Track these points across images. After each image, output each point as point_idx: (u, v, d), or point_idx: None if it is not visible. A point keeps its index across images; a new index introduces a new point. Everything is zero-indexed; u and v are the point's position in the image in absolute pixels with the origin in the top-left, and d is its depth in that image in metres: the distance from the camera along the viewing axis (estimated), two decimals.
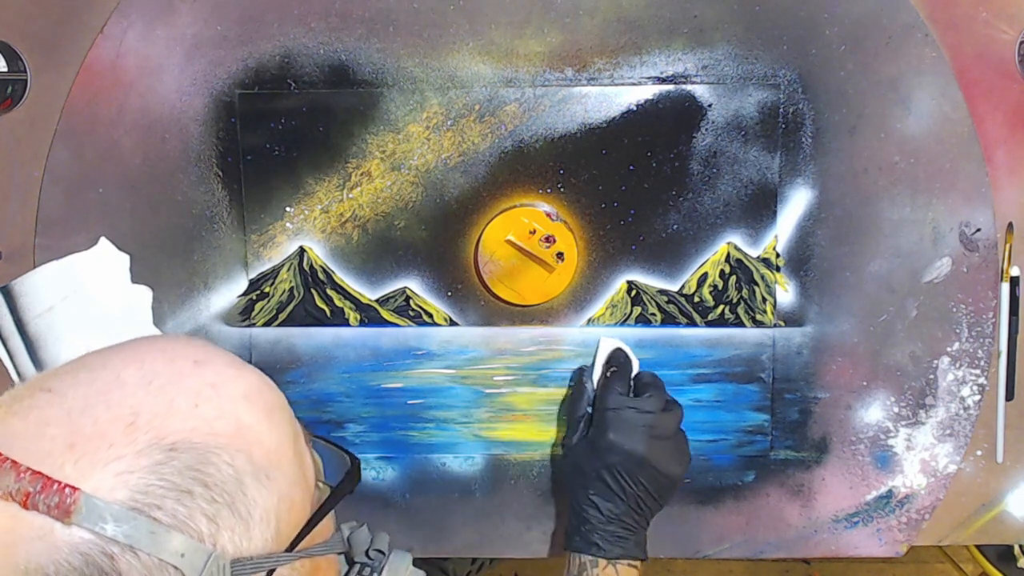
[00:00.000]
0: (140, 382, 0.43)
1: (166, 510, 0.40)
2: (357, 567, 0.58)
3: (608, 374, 0.79)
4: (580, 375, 0.82)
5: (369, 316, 0.85)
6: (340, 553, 0.55)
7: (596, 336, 0.85)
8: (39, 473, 0.39)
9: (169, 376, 0.44)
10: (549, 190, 0.83)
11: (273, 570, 0.44)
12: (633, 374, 0.81)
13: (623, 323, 0.85)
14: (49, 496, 0.38)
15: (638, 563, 0.74)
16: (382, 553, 0.59)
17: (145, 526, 0.39)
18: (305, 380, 0.86)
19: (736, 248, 0.83)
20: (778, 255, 0.84)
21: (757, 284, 0.84)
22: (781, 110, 0.81)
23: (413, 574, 0.59)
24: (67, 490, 0.38)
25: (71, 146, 0.83)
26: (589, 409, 0.79)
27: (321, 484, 0.51)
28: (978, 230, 0.82)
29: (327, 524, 0.50)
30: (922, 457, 0.85)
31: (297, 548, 0.46)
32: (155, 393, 0.43)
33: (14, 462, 0.39)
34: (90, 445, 0.40)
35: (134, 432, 0.41)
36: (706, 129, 0.82)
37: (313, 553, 0.48)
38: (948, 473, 0.85)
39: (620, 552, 0.73)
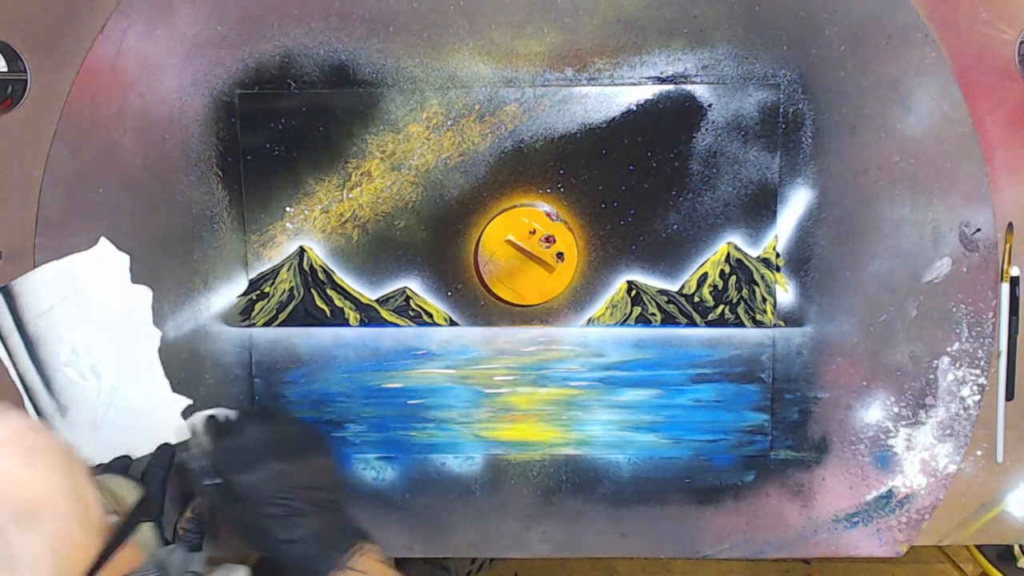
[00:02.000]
0: None
1: None
2: None
3: (197, 440, 0.75)
4: (179, 461, 0.78)
5: (369, 316, 0.85)
6: None
7: (596, 336, 0.85)
8: None
9: None
10: (549, 190, 0.83)
11: None
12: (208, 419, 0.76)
13: (623, 323, 0.85)
14: None
15: (367, 545, 0.71)
16: (197, 575, 0.58)
17: None
18: (305, 380, 0.86)
19: (736, 248, 0.83)
20: (778, 255, 0.84)
21: (757, 284, 0.84)
22: (781, 110, 0.81)
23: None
24: None
25: (71, 146, 0.83)
26: (210, 481, 0.73)
27: (119, 515, 0.50)
28: (978, 230, 0.82)
29: (133, 554, 0.49)
30: (922, 457, 0.85)
31: None
32: None
33: None
34: None
35: None
36: (706, 129, 0.82)
37: None
38: (948, 473, 0.85)
39: (337, 554, 0.69)
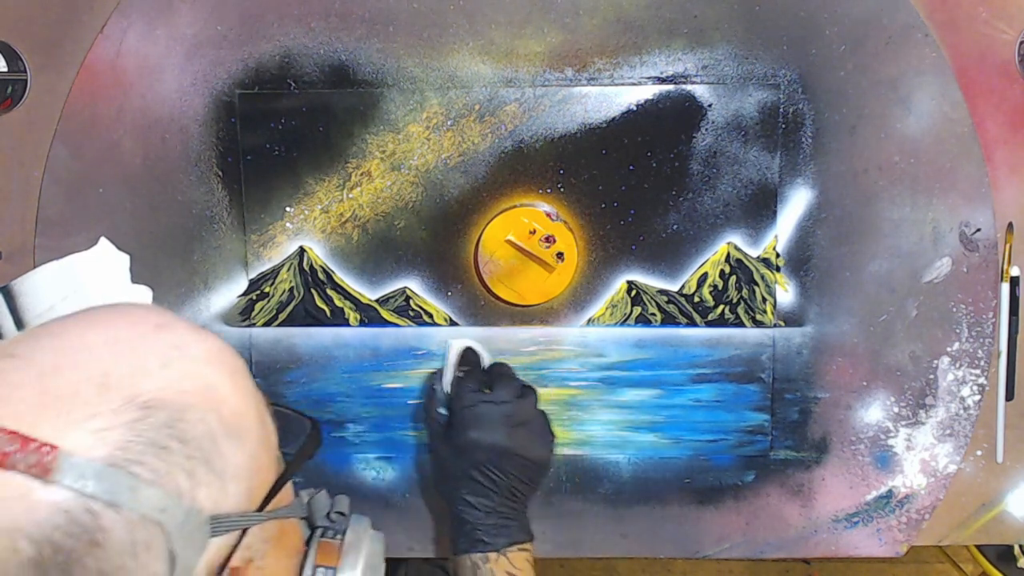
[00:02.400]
0: (105, 345, 0.43)
1: (146, 466, 0.40)
2: (320, 531, 0.57)
3: (459, 373, 0.80)
4: (431, 379, 0.83)
5: (369, 316, 0.85)
6: (302, 518, 0.55)
7: (596, 336, 0.85)
8: (15, 433, 0.38)
9: (133, 339, 0.44)
10: (549, 190, 0.83)
11: (246, 530, 0.44)
12: (484, 367, 0.82)
13: (623, 323, 0.85)
14: (27, 455, 0.38)
15: (528, 545, 0.75)
16: (343, 515, 0.59)
17: (126, 482, 0.39)
18: (305, 380, 0.86)
19: (736, 248, 0.83)
20: (778, 255, 0.83)
21: (757, 284, 0.84)
22: (781, 110, 0.81)
23: (374, 536, 0.60)
24: (45, 448, 0.38)
25: (71, 146, 0.83)
26: (443, 411, 0.80)
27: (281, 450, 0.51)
28: (978, 230, 0.82)
29: (288, 490, 0.51)
30: (922, 457, 0.85)
31: (266, 509, 0.46)
32: (121, 355, 0.43)
33: None
34: (65, 405, 0.40)
35: (108, 391, 0.41)
36: (706, 129, 0.82)
37: (280, 515, 0.48)
38: (948, 473, 0.85)
39: (506, 540, 0.73)
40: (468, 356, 0.82)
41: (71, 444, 0.39)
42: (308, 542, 0.56)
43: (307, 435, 0.53)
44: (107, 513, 0.39)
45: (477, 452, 0.74)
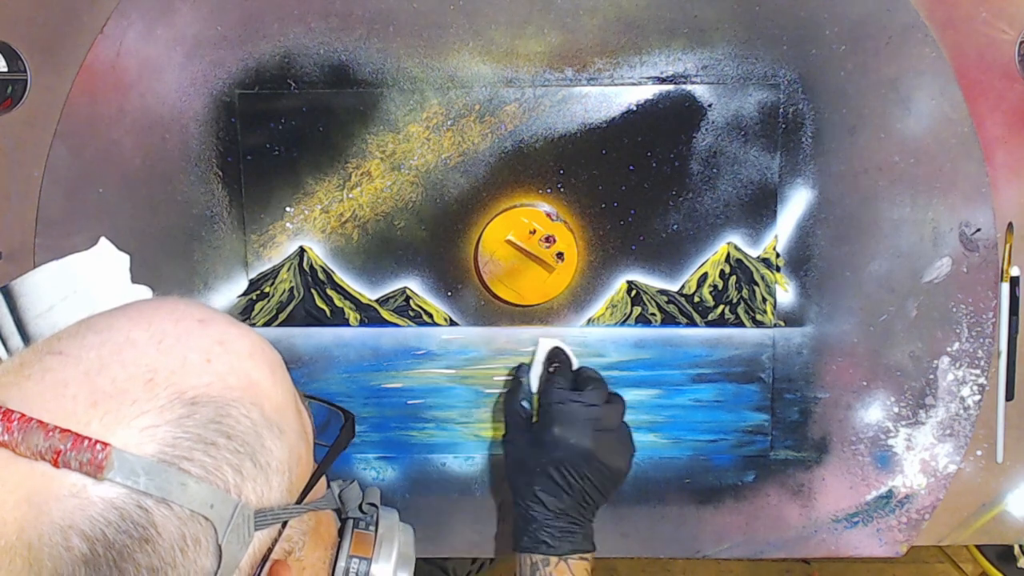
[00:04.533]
0: (150, 341, 0.43)
1: (195, 462, 0.40)
2: (351, 521, 0.58)
3: (551, 370, 0.80)
4: (517, 372, 0.83)
5: (369, 316, 0.85)
6: (334, 509, 0.56)
7: (596, 336, 0.85)
8: (68, 431, 0.38)
9: (177, 335, 0.44)
10: (549, 190, 0.83)
11: (286, 523, 0.45)
12: (574, 368, 0.82)
13: (623, 323, 0.85)
14: (80, 453, 0.38)
15: (588, 556, 0.74)
16: (375, 507, 0.60)
17: (176, 478, 0.39)
18: (305, 380, 0.86)
19: (736, 248, 0.83)
20: (778, 255, 0.84)
21: (757, 284, 0.84)
22: (781, 110, 0.81)
23: (404, 527, 0.60)
24: (98, 446, 0.38)
25: (71, 146, 0.83)
26: (526, 404, 0.80)
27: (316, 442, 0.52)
28: (978, 230, 0.82)
29: (321, 481, 0.51)
30: (922, 457, 0.85)
31: (304, 502, 0.47)
32: (167, 351, 0.43)
33: (41, 422, 0.38)
34: (113, 402, 0.40)
35: (154, 388, 0.41)
36: (706, 129, 0.82)
37: (318, 507, 0.49)
38: (948, 473, 0.85)
39: (570, 547, 0.73)
40: (557, 355, 0.82)
41: (120, 441, 0.39)
42: (340, 533, 0.57)
43: (341, 427, 0.54)
44: (158, 509, 0.39)
45: (559, 449, 0.74)
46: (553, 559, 0.73)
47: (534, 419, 0.80)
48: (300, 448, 0.47)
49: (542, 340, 0.83)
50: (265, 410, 0.44)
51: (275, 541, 0.44)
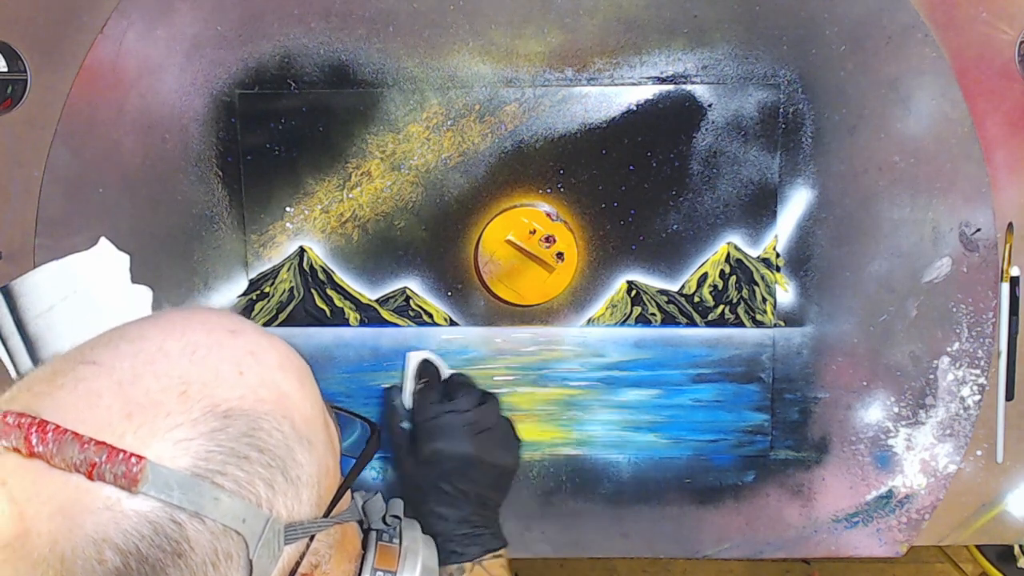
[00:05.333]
0: (183, 352, 0.43)
1: (228, 476, 0.40)
2: (375, 533, 0.58)
3: (419, 386, 0.80)
4: (389, 395, 0.82)
5: (369, 316, 0.85)
6: (357, 521, 0.55)
7: (596, 336, 0.85)
8: (103, 443, 0.38)
9: (210, 346, 0.44)
10: (549, 190, 0.83)
11: (313, 536, 0.45)
12: (443, 378, 0.82)
13: (623, 323, 0.85)
14: (115, 466, 0.38)
15: (502, 551, 0.74)
16: (398, 519, 0.60)
17: (209, 492, 0.39)
18: None
19: (736, 248, 0.83)
20: (778, 255, 0.84)
21: (757, 284, 0.84)
22: (781, 110, 0.81)
23: (427, 540, 0.60)
24: (133, 459, 0.38)
25: (71, 146, 0.83)
26: (406, 425, 0.79)
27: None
28: (978, 230, 0.82)
29: (346, 493, 0.51)
30: (922, 457, 0.85)
31: (331, 515, 0.47)
32: (199, 362, 0.43)
33: (76, 434, 0.38)
34: (147, 414, 0.40)
35: (188, 400, 0.41)
36: (706, 129, 0.82)
37: (344, 519, 0.49)
38: (948, 473, 0.85)
39: (480, 550, 0.72)
40: (426, 368, 0.81)
41: (155, 454, 0.39)
42: (364, 545, 0.56)
43: (368, 439, 0.53)
44: (192, 523, 0.39)
45: (443, 463, 0.73)
46: (467, 565, 0.72)
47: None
48: (328, 461, 0.47)
49: (410, 355, 0.82)
50: (295, 423, 0.44)
51: (303, 555, 0.44)
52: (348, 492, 0.52)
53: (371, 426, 0.55)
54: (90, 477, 0.38)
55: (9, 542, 0.37)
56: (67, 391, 0.41)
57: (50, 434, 0.38)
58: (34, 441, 0.38)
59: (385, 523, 0.59)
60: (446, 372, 0.83)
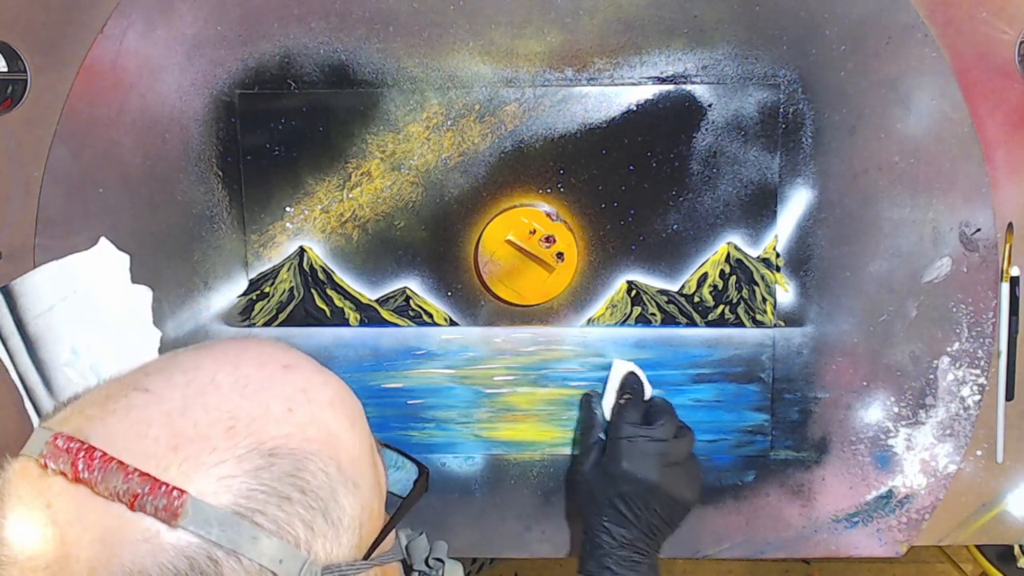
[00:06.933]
0: (234, 386, 0.43)
1: (268, 516, 0.40)
2: (417, 575, 0.57)
3: (622, 401, 0.80)
4: (589, 401, 0.83)
5: (369, 316, 0.85)
6: (400, 560, 0.55)
7: (596, 336, 0.85)
8: (147, 475, 0.38)
9: (261, 380, 0.44)
10: (549, 190, 0.83)
11: None
12: (646, 398, 0.81)
13: (623, 323, 0.85)
14: (157, 498, 0.38)
15: None
16: (441, 562, 0.59)
17: (248, 531, 0.39)
18: None
19: (736, 248, 0.83)
20: (778, 255, 0.83)
21: (757, 284, 0.84)
22: (781, 110, 0.81)
23: None
24: (175, 492, 0.38)
25: (71, 146, 0.83)
26: (602, 436, 0.80)
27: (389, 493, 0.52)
28: (978, 230, 0.82)
29: (390, 534, 0.51)
30: (922, 457, 0.85)
31: (372, 556, 0.46)
32: (250, 397, 0.43)
33: (121, 463, 0.39)
34: (193, 448, 0.40)
35: (235, 436, 0.41)
36: (706, 129, 0.82)
37: (384, 561, 0.48)
38: (948, 473, 0.85)
39: None
40: (630, 381, 0.81)
41: (197, 489, 0.39)
42: None
43: (415, 482, 0.53)
44: (228, 561, 0.39)
45: (626, 483, 0.74)
46: None
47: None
48: (373, 502, 0.47)
49: (616, 363, 0.82)
50: (342, 463, 0.44)
51: None
52: (392, 532, 0.51)
53: (420, 468, 0.55)
54: (132, 508, 0.38)
55: (49, 564, 0.38)
56: (118, 418, 0.41)
57: (96, 461, 0.39)
58: (80, 467, 0.38)
59: (427, 565, 0.59)
60: (648, 390, 0.82)
